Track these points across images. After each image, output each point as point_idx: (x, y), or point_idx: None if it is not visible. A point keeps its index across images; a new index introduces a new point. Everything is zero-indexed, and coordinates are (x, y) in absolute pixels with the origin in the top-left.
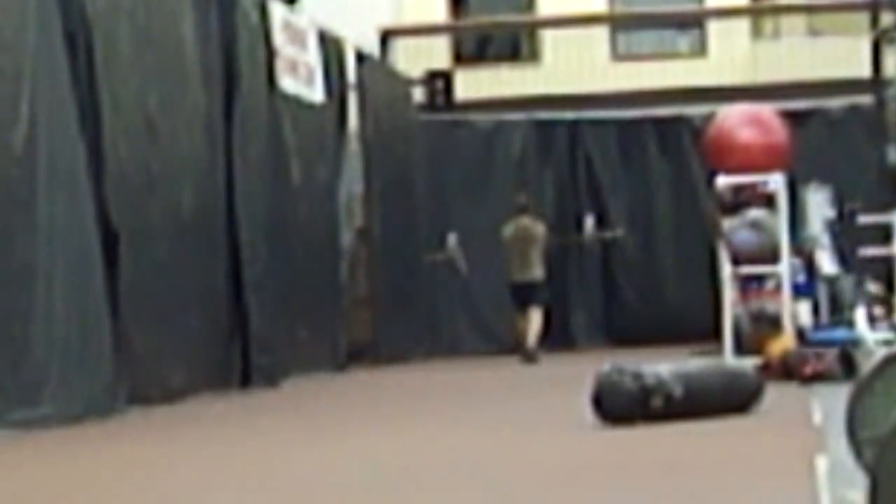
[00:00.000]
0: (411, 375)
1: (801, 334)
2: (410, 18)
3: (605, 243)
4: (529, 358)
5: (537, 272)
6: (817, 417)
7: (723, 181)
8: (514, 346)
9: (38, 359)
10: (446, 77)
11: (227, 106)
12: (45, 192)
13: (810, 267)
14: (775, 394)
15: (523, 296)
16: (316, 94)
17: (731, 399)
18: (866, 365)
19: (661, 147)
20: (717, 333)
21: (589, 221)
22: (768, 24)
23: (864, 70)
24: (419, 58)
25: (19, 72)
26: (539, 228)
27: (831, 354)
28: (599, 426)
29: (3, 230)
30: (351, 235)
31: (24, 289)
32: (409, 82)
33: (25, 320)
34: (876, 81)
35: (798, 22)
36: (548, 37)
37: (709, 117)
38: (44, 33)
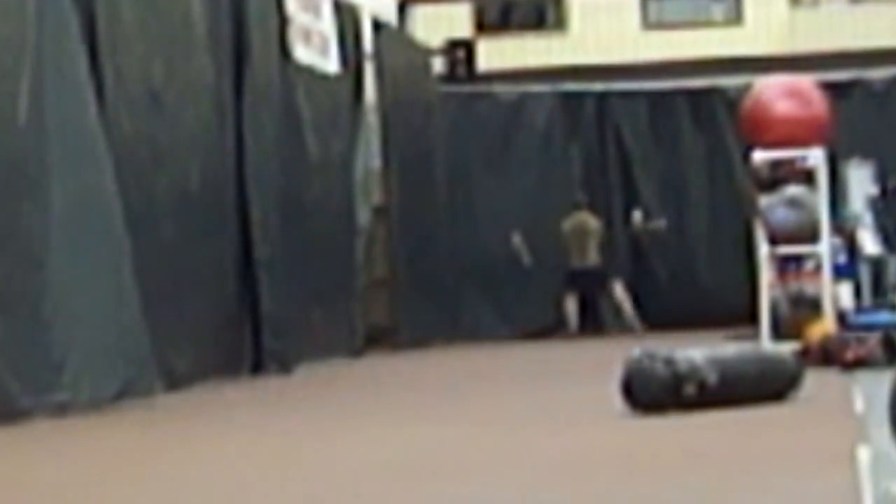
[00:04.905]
0: (432, 361)
1: (841, 318)
2: None
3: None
4: (636, 329)
5: (595, 259)
6: (859, 405)
7: (759, 156)
8: (554, 327)
9: (55, 343)
10: (468, 46)
11: (237, 77)
12: (56, 165)
13: (852, 247)
14: (815, 381)
15: (580, 281)
16: (330, 64)
17: (768, 386)
18: None
19: (694, 120)
20: (753, 317)
21: (637, 215)
22: None
23: None
24: (439, 26)
25: (22, 40)
26: (595, 223)
27: (874, 339)
28: (629, 415)
29: (12, 207)
30: (368, 213)
31: (36, 269)
32: (429, 52)
33: (37, 302)
34: None
35: None
36: (575, 4)
37: (745, 89)
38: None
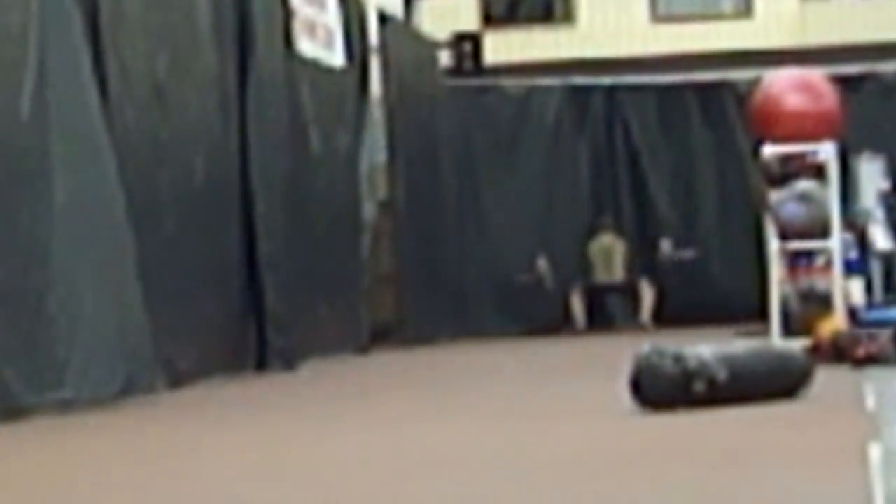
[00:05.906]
0: (438, 358)
1: (852, 314)
2: None
3: (644, 215)
4: (647, 327)
5: (621, 274)
6: (870, 402)
7: (770, 151)
8: (561, 323)
9: (58, 340)
10: (475, 39)
11: (241, 70)
12: (60, 160)
13: (863, 242)
14: (825, 378)
15: (604, 295)
16: (336, 57)
17: (779, 383)
18: None
19: (703, 114)
20: (763, 313)
21: (665, 245)
22: None
23: None
24: (446, 19)
25: (25, 34)
26: (620, 245)
27: (885, 335)
28: (638, 412)
29: (14, 202)
30: (373, 208)
31: (37, 266)
32: (436, 45)
33: (40, 299)
34: None
35: None
36: None
37: (755, 82)
38: None
